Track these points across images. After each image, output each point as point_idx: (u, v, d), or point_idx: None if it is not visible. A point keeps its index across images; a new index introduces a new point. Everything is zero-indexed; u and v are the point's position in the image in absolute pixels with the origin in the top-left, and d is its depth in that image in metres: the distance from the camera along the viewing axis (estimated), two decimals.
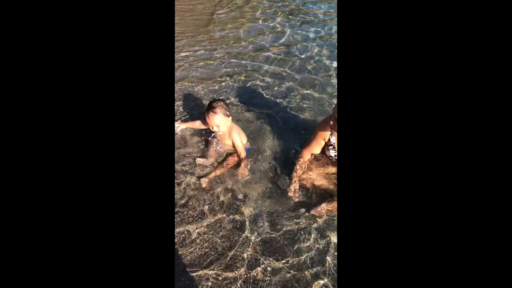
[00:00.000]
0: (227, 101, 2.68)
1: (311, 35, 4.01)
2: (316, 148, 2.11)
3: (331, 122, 1.86)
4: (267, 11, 4.62)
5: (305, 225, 1.87)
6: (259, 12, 4.56)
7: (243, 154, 2.21)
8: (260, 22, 4.31)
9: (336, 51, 3.60)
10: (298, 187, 2.04)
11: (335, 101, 2.90)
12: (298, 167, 2.11)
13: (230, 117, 2.13)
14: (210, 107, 2.09)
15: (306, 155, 2.14)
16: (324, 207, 1.91)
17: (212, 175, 2.13)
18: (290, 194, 2.01)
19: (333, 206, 1.92)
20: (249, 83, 3.15)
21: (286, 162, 2.22)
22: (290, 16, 4.44)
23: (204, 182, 2.09)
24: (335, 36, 3.94)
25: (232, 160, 2.24)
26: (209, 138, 2.36)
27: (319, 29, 4.14)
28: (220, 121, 2.07)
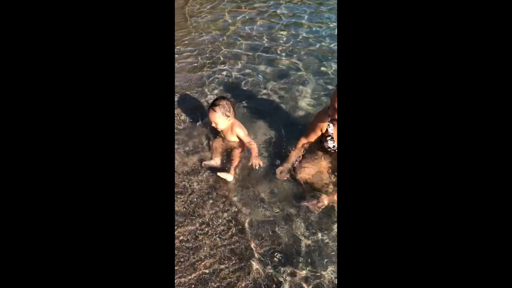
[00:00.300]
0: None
1: (291, 28, 3.98)
2: (312, 137, 2.14)
3: (330, 112, 1.86)
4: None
5: (303, 219, 1.91)
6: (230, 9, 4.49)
7: (253, 144, 2.23)
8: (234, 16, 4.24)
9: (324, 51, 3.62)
10: (287, 169, 2.09)
11: (331, 90, 2.90)
12: (292, 153, 2.16)
13: (230, 117, 2.18)
14: (212, 104, 2.17)
15: (302, 143, 2.19)
16: (320, 200, 1.92)
17: (232, 169, 2.15)
18: (277, 174, 2.07)
19: (329, 199, 1.93)
20: (241, 78, 3.15)
21: (285, 155, 2.25)
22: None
23: (227, 176, 2.10)
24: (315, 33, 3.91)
25: (239, 151, 2.27)
26: (215, 138, 2.40)
27: (298, 24, 4.10)
28: (218, 119, 2.15)
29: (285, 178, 2.07)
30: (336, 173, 2.05)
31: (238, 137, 2.27)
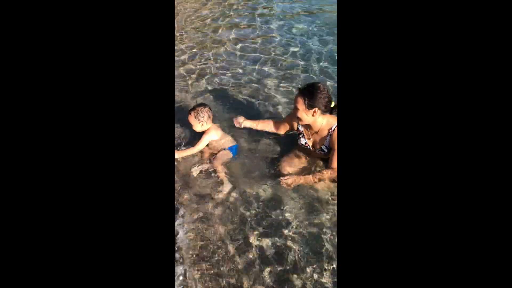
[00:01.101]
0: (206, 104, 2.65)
1: (277, 31, 4.08)
2: (281, 127, 2.44)
3: (294, 111, 2.07)
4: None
5: (296, 211, 1.98)
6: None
7: (199, 144, 2.38)
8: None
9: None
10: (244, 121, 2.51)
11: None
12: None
13: (202, 122, 2.39)
14: (191, 108, 2.43)
15: (271, 127, 2.47)
16: (293, 178, 2.07)
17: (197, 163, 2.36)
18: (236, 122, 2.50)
19: (301, 179, 2.07)
20: (223, 80, 3.26)
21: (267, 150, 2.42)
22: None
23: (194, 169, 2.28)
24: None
25: (218, 152, 2.41)
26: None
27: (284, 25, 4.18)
28: (192, 121, 2.41)
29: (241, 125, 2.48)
30: (308, 165, 2.25)
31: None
